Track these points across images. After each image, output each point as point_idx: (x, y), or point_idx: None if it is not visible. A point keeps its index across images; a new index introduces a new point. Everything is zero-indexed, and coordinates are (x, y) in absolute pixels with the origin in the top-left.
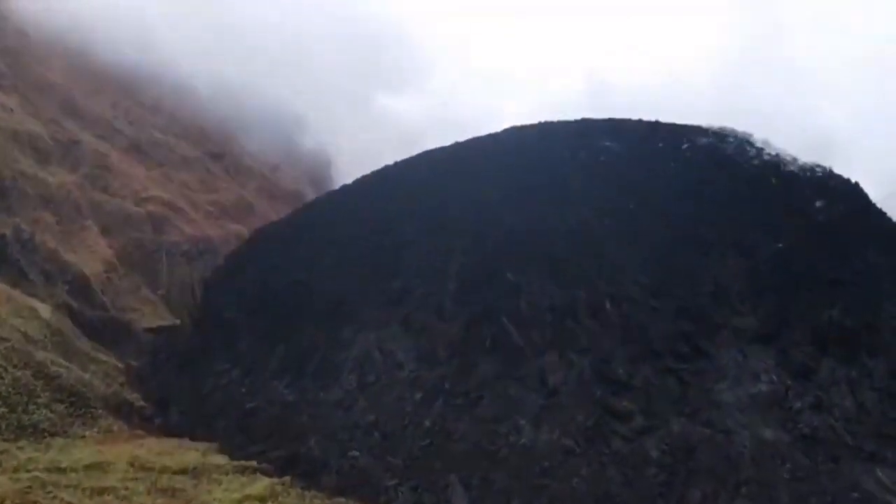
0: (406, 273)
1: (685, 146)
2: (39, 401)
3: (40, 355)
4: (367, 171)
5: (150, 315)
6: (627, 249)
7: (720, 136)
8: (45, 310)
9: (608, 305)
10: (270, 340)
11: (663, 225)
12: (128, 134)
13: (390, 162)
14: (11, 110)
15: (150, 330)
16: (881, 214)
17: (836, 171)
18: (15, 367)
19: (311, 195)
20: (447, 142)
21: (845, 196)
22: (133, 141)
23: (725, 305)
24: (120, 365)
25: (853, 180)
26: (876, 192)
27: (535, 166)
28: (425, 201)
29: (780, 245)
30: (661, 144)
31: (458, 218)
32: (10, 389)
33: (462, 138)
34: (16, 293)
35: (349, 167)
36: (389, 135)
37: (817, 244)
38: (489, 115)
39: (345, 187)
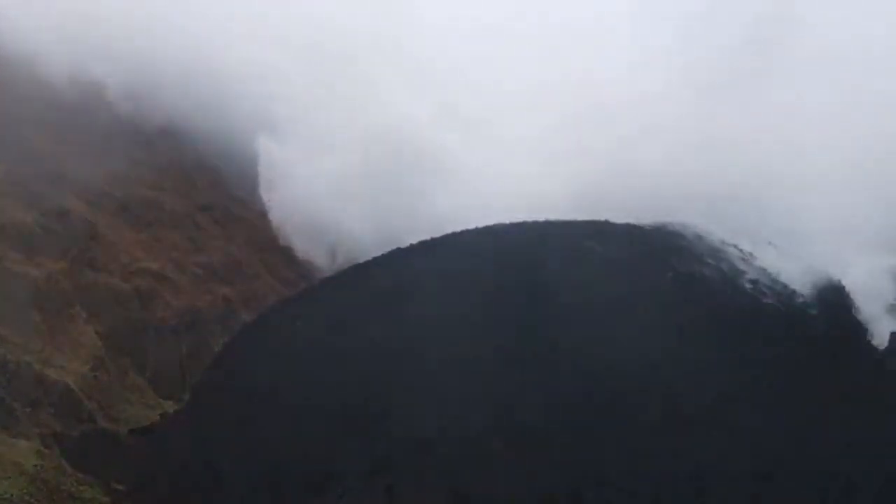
0: (389, 439)
1: (669, 275)
2: None
3: None
4: None
5: (138, 406)
6: (608, 433)
7: (700, 260)
8: (30, 453)
9: (589, 494)
10: (253, 494)
11: (644, 401)
12: (116, 196)
13: None
14: None
15: (136, 432)
16: (867, 346)
17: None
18: None
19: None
20: None
21: (830, 325)
22: (121, 203)
23: (704, 497)
24: (106, 499)
25: (838, 283)
26: None
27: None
28: (412, 339)
29: (759, 425)
30: (641, 276)
31: (442, 382)
32: None
33: None
34: (1, 439)
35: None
36: None
37: (797, 417)
38: None
39: (330, 291)
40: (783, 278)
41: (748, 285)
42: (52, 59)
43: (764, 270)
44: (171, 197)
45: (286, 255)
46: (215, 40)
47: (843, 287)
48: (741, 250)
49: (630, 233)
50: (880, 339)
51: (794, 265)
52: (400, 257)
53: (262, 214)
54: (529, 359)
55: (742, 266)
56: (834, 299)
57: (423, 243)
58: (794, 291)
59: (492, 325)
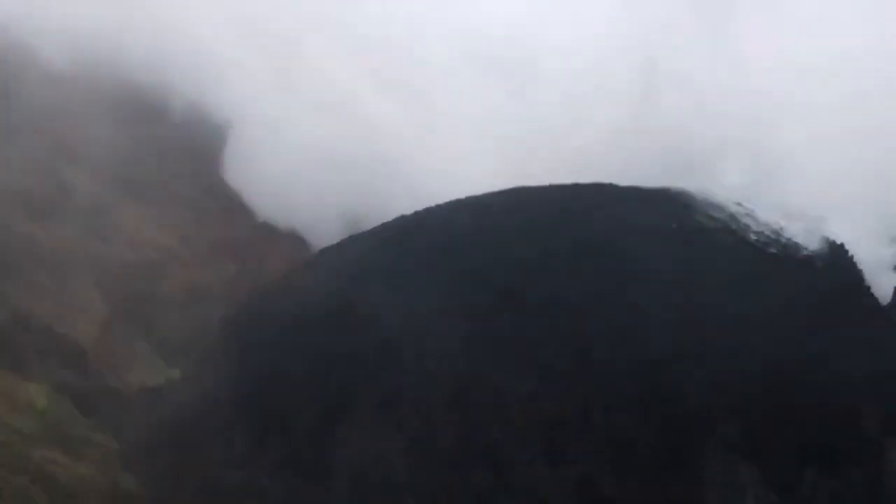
0: (399, 374)
1: (674, 226)
2: None
3: (37, 454)
4: None
5: (144, 370)
6: (617, 359)
7: (706, 213)
8: (41, 395)
9: (598, 417)
10: (264, 433)
11: (652, 332)
12: (122, 174)
13: None
14: None
15: (144, 392)
16: (868, 295)
17: None
18: (14, 472)
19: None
20: None
21: (833, 275)
22: (128, 181)
23: (711, 418)
24: (115, 445)
25: (839, 243)
26: None
27: (525, 259)
28: (416, 297)
29: (765, 355)
30: (647, 227)
31: (449, 322)
32: (8, 500)
33: None
34: (14, 381)
35: None
36: None
37: (802, 350)
38: None
39: (331, 259)
40: (787, 234)
41: (753, 236)
42: (55, 40)
43: (768, 226)
44: (176, 178)
45: (291, 235)
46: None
47: (844, 246)
48: (745, 208)
49: (634, 193)
50: (883, 294)
51: (797, 225)
52: (397, 226)
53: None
54: (532, 302)
55: (747, 221)
56: (838, 255)
57: (422, 211)
58: (798, 244)
59: (494, 269)
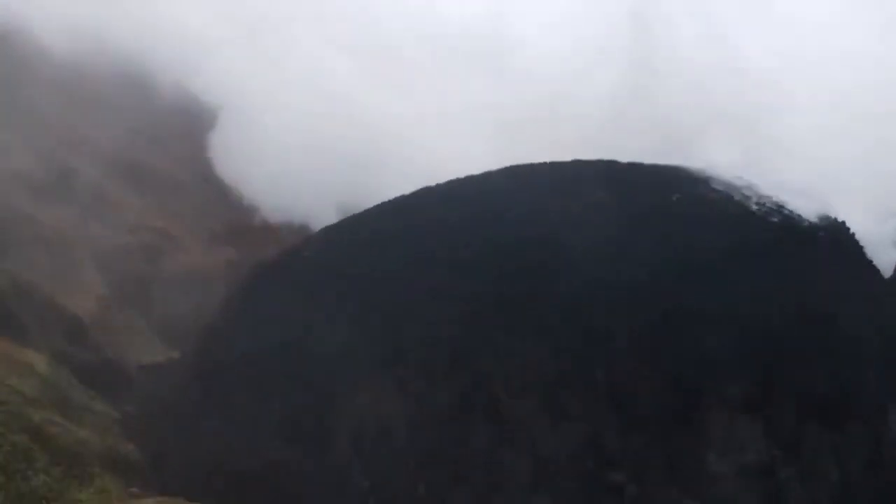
0: (400, 335)
1: (676, 197)
2: (37, 465)
3: (37, 416)
4: None
5: (144, 350)
6: (617, 318)
7: (707, 185)
8: (41, 362)
9: (599, 375)
10: (265, 398)
11: (652, 291)
12: (122, 161)
13: None
14: None
15: (144, 368)
16: (870, 267)
17: None
18: (13, 432)
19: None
20: None
21: (835, 246)
22: (128, 168)
23: (712, 375)
24: (115, 414)
25: (840, 220)
26: None
27: (527, 223)
28: (416, 262)
29: (767, 313)
30: (650, 194)
31: (450, 284)
32: (9, 457)
33: None
34: (13, 347)
35: None
36: None
37: (803, 310)
38: None
39: (333, 235)
40: (789, 207)
41: (755, 207)
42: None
43: (770, 198)
44: (175, 166)
45: (288, 222)
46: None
47: (846, 224)
48: (746, 182)
49: (636, 168)
50: (884, 269)
51: (797, 200)
52: (396, 205)
53: None
54: (533, 263)
55: (748, 193)
56: (838, 230)
57: (421, 190)
58: (800, 216)
59: (496, 234)
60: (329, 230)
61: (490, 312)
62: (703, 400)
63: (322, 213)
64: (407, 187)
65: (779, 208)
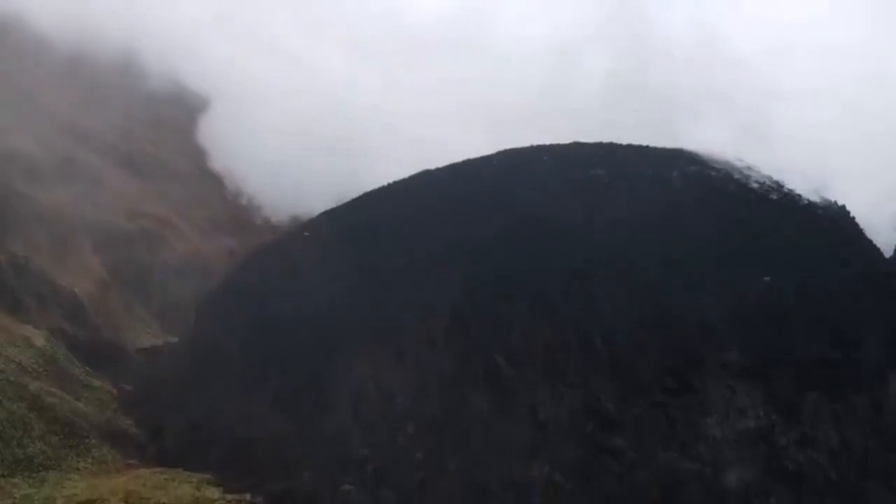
0: (398, 306)
1: (675, 174)
2: (34, 433)
3: (34, 386)
4: None
5: (142, 334)
6: (616, 285)
7: (706, 164)
8: (38, 336)
9: (598, 341)
10: (264, 369)
11: (651, 260)
12: (121, 149)
13: None
14: None
15: (143, 350)
16: (869, 244)
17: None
18: (10, 399)
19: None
20: None
21: (833, 224)
22: (126, 156)
23: (712, 340)
24: (113, 390)
25: (840, 203)
26: None
27: (527, 198)
28: (416, 235)
29: (767, 279)
30: (650, 172)
31: (449, 254)
32: (5, 424)
33: None
34: (11, 321)
35: None
36: None
37: (803, 279)
38: None
39: (332, 213)
40: (789, 186)
41: (755, 185)
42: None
43: (770, 177)
44: (174, 155)
45: (285, 212)
46: None
47: (846, 207)
48: (744, 162)
49: (634, 149)
50: (884, 249)
51: (795, 180)
52: (396, 187)
53: None
54: (533, 236)
55: (748, 172)
56: (837, 211)
57: (421, 173)
58: (800, 195)
59: (493, 206)
60: (329, 213)
61: (489, 281)
62: (702, 365)
63: (318, 205)
64: (403, 171)
65: (778, 187)
